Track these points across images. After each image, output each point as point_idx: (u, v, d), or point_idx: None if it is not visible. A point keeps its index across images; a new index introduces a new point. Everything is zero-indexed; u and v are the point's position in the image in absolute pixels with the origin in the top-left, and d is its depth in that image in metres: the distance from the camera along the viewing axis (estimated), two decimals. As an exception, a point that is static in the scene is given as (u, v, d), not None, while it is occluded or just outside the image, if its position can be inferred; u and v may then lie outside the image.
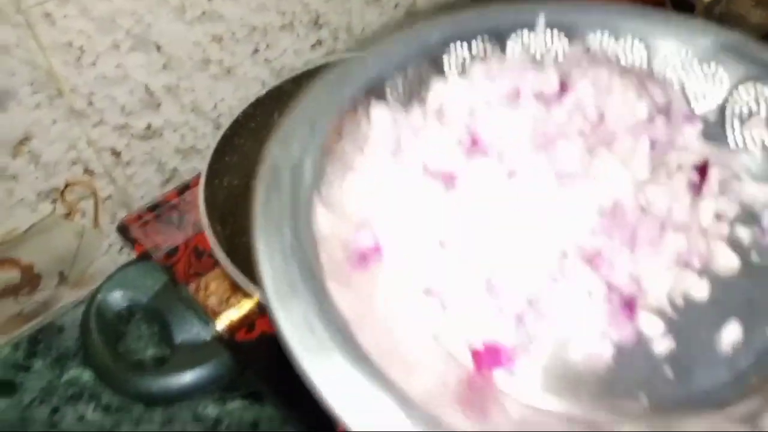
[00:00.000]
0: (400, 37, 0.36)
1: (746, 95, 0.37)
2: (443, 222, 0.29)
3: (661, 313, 0.30)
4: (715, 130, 0.38)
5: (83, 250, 0.54)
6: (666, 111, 0.36)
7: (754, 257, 0.33)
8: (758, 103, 0.37)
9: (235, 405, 0.50)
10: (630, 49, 0.39)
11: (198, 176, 0.56)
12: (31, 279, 0.53)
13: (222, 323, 0.37)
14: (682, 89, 0.38)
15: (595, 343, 0.28)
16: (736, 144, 0.37)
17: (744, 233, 0.34)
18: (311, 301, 0.24)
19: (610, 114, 0.33)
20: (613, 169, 0.31)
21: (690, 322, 0.30)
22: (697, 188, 0.33)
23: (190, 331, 0.36)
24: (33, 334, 0.54)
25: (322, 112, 0.31)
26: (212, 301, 0.38)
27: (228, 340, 0.37)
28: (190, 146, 0.57)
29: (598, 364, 0.28)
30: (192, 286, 0.39)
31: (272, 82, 0.54)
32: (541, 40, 0.38)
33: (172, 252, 0.49)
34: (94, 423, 0.49)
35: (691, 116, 0.37)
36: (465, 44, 0.37)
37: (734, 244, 0.33)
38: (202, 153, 0.58)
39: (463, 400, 0.26)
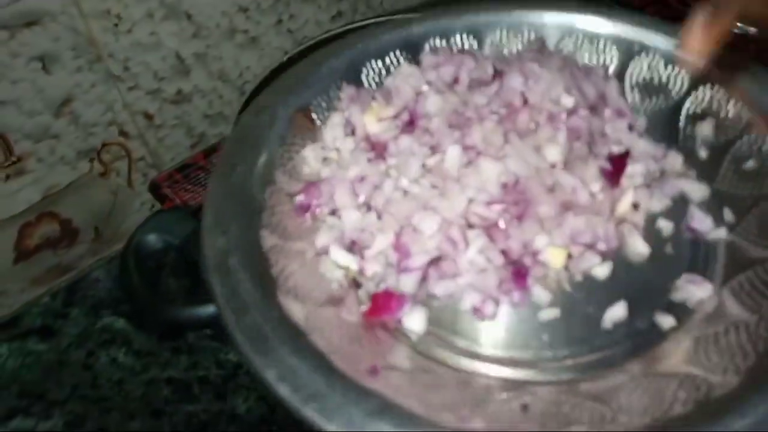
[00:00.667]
0: (385, 30, 0.42)
1: (703, 97, 0.40)
2: (371, 187, 0.35)
3: (554, 286, 0.33)
4: (668, 128, 0.41)
5: (117, 208, 0.60)
6: (597, 105, 0.39)
7: (668, 249, 0.36)
8: (712, 106, 0.40)
9: (255, 353, 0.55)
10: (603, 50, 0.43)
11: (224, 140, 0.61)
12: (69, 233, 0.58)
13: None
14: (641, 83, 0.42)
15: (482, 302, 0.32)
16: (684, 143, 0.40)
17: (666, 226, 0.36)
18: (236, 234, 0.30)
19: (534, 102, 0.37)
20: (521, 150, 0.34)
21: (581, 297, 0.33)
22: (614, 178, 0.36)
23: (216, 270, 0.41)
24: (70, 285, 0.59)
25: (297, 90, 0.38)
26: (236, 245, 0.43)
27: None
28: (217, 112, 0.62)
29: (481, 320, 0.32)
30: (218, 231, 0.44)
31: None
32: (515, 40, 0.43)
33: (200, 208, 0.54)
34: (125, 366, 0.55)
35: (623, 112, 0.40)
36: (444, 40, 0.42)
37: (651, 234, 0.36)
38: (228, 119, 0.63)
39: (354, 338, 0.30)
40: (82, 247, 0.60)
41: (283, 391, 0.26)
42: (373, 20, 0.57)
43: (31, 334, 0.57)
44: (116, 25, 0.52)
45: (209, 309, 0.39)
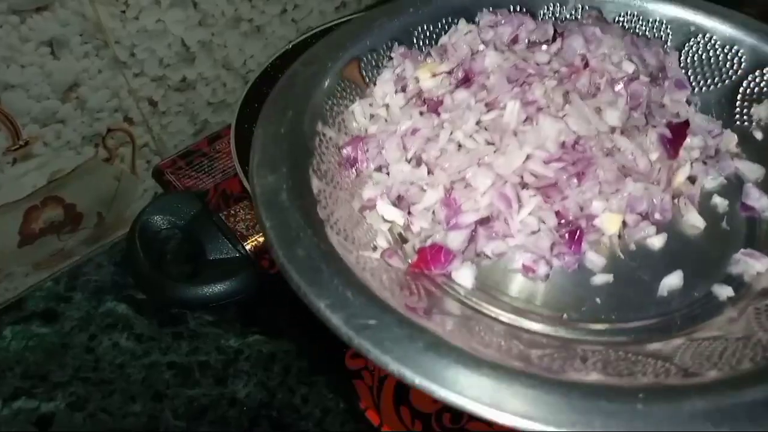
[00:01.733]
0: None
1: (760, 79, 0.41)
2: (423, 140, 0.35)
3: (608, 252, 0.34)
4: (724, 107, 0.42)
5: (121, 193, 0.62)
6: (657, 75, 0.40)
7: (724, 225, 0.37)
8: None
9: (254, 339, 0.57)
10: (657, 28, 0.44)
11: (227, 128, 0.64)
12: (73, 218, 0.61)
13: (250, 244, 0.45)
14: (696, 64, 0.43)
15: (533, 262, 0.33)
16: (740, 124, 0.41)
17: (721, 203, 0.38)
18: (285, 174, 0.31)
19: (595, 65, 0.38)
20: (582, 111, 0.35)
21: (636, 264, 0.34)
22: (673, 149, 0.37)
23: (221, 251, 0.43)
24: (73, 270, 0.62)
25: (348, 46, 0.38)
26: (241, 227, 0.45)
27: (254, 260, 0.45)
28: (220, 100, 0.64)
29: (532, 280, 0.33)
30: (223, 214, 0.46)
31: (299, 42, 0.61)
32: (569, 13, 0.44)
33: (203, 194, 0.56)
34: (127, 349, 0.57)
35: (683, 84, 0.41)
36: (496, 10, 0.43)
37: (707, 209, 0.37)
38: (231, 107, 0.65)
39: (403, 284, 0.31)
40: (85, 233, 0.62)
41: (336, 320, 0.26)
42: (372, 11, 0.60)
43: (35, 318, 0.59)
44: (124, 11, 0.54)
45: (216, 287, 0.42)
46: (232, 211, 0.46)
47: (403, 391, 0.48)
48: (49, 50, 0.52)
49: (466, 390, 0.24)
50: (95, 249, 0.63)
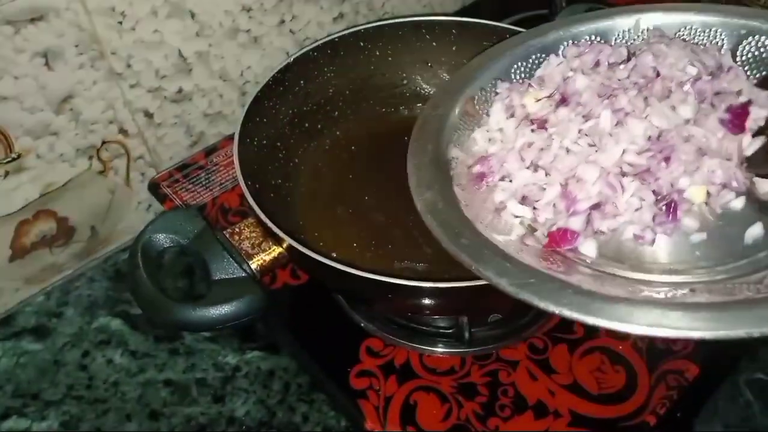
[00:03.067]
0: (527, 39, 0.54)
1: None
2: (536, 153, 0.44)
3: (699, 216, 0.41)
4: None
5: (114, 206, 0.61)
6: (716, 72, 0.48)
7: None
8: None
9: (253, 355, 0.56)
10: (712, 36, 0.51)
11: (225, 139, 0.63)
12: (66, 231, 0.59)
13: (255, 263, 0.44)
14: (751, 61, 0.50)
15: (641, 231, 0.40)
16: None
17: None
18: (438, 190, 0.41)
19: (665, 73, 0.46)
20: (660, 110, 0.43)
21: (723, 223, 0.41)
22: (739, 125, 0.44)
23: (225, 270, 0.43)
24: (65, 284, 0.61)
25: (462, 89, 0.50)
26: (246, 245, 0.44)
27: (260, 279, 0.44)
28: (216, 111, 0.63)
29: (642, 245, 0.40)
30: (227, 232, 0.45)
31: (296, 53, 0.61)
32: (636, 36, 0.53)
33: (201, 208, 0.56)
34: (121, 367, 0.56)
35: (739, 75, 0.48)
36: (575, 43, 0.53)
37: None
38: (227, 118, 0.64)
39: (541, 257, 0.39)
40: (77, 246, 0.61)
41: (504, 283, 0.35)
42: (375, 24, 0.60)
43: (26, 334, 0.58)
44: (120, 22, 0.53)
45: (221, 309, 0.41)
46: (237, 229, 0.45)
47: (410, 410, 0.47)
48: (43, 61, 0.51)
49: (622, 317, 0.32)
50: (88, 263, 0.62)
